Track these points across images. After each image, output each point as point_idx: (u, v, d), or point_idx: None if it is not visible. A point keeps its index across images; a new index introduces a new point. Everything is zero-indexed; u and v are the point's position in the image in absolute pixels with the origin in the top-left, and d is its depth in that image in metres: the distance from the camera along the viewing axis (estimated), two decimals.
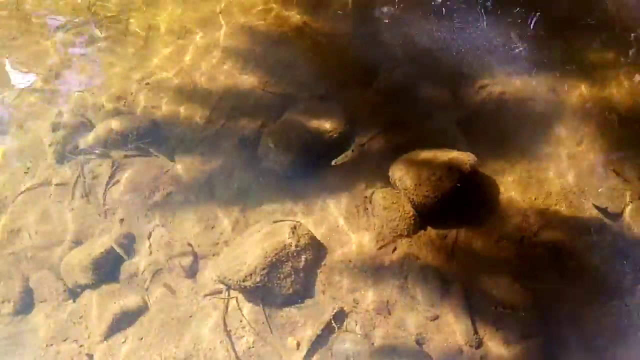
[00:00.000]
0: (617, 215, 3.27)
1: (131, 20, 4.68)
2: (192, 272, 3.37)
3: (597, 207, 3.30)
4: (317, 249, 3.30)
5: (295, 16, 4.53)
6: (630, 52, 3.92)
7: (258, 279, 3.03)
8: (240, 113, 4.05)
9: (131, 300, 3.30)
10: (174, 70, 4.33)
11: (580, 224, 3.24)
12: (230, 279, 3.10)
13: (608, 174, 3.42)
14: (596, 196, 3.34)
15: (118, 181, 3.76)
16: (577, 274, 3.06)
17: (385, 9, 4.46)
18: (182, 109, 4.09)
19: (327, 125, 3.83)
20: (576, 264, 3.09)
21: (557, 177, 3.44)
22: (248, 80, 4.24)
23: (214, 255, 3.41)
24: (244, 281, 3.03)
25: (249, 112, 4.06)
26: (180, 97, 4.15)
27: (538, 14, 4.16)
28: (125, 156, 3.87)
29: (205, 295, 3.24)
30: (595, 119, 3.64)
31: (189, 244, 3.46)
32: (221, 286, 3.22)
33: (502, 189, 3.45)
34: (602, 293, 3.02)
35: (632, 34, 4.00)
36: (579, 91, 3.77)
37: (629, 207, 3.29)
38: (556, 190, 3.39)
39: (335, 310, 3.03)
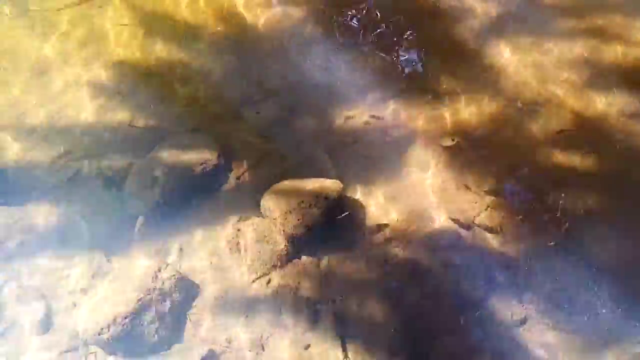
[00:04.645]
0: (469, 227, 3.55)
1: None
2: (45, 328, 3.06)
3: (452, 220, 3.57)
4: (186, 290, 3.18)
5: (163, 49, 4.43)
6: (478, 79, 4.34)
7: (119, 330, 2.84)
8: (105, 151, 3.84)
9: None
10: (26, 107, 4.00)
11: (437, 238, 3.47)
12: (87, 332, 2.86)
13: (460, 190, 3.71)
14: (451, 211, 3.61)
15: None
16: (436, 288, 3.26)
17: (258, 42, 4.53)
18: (36, 149, 3.77)
19: (199, 158, 3.75)
20: (435, 278, 3.29)
21: (417, 196, 3.67)
22: (113, 115, 4.04)
23: (71, 306, 3.14)
24: (101, 333, 2.81)
25: (114, 149, 3.86)
26: (33, 137, 3.83)
27: (401, 48, 4.48)
28: None
29: (61, 353, 2.95)
30: (448, 141, 3.95)
31: (43, 296, 3.16)
32: (78, 341, 2.96)
33: (368, 212, 3.61)
34: (459, 304, 3.24)
35: (480, 63, 4.43)
36: (433, 117, 4.08)
37: (479, 217, 3.59)
38: (416, 209, 3.60)
39: (203, 355, 2.91)
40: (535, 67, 4.27)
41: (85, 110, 4.06)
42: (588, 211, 3.51)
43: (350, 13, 4.73)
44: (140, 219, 3.44)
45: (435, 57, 4.43)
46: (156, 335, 2.92)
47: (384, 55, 4.41)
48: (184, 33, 4.54)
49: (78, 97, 4.12)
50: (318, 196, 3.41)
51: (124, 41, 4.46)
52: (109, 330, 2.82)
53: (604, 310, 3.12)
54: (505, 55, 4.36)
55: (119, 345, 2.88)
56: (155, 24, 4.57)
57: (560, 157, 3.79)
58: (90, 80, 4.21)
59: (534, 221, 3.50)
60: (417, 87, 4.27)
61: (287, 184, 3.57)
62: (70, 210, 3.55)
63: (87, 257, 3.35)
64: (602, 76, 4.14)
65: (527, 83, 4.21)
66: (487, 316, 3.18)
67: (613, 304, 3.13)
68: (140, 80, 4.25)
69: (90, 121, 4.00)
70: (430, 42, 4.50)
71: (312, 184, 3.52)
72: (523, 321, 3.19)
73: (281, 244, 3.40)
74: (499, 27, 4.51)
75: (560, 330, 3.13)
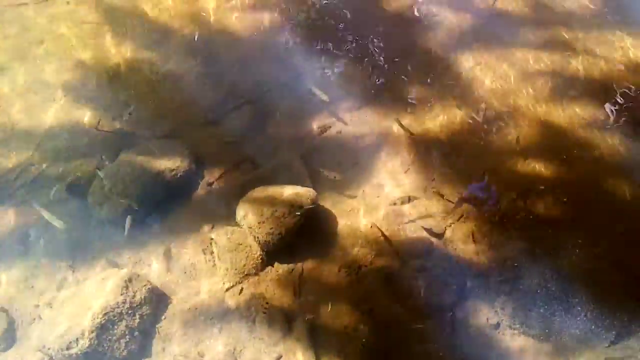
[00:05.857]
0: (441, 235, 3.60)
1: None
2: (8, 343, 2.93)
3: (424, 229, 3.60)
4: (157, 302, 3.10)
5: (132, 49, 4.28)
6: (448, 89, 4.38)
7: (86, 344, 2.74)
8: (69, 155, 3.70)
9: None
10: None
11: (409, 246, 3.50)
12: (52, 348, 2.75)
13: (432, 197, 3.75)
14: (422, 218, 3.64)
15: None
16: (408, 294, 3.30)
17: (230, 47, 4.43)
18: None
19: (169, 164, 3.66)
20: (407, 285, 3.33)
21: (388, 203, 3.68)
22: (79, 118, 3.88)
23: (35, 320, 3.01)
24: (68, 349, 2.71)
25: (79, 153, 3.73)
26: None
27: (374, 57, 4.47)
28: None
29: None
30: (418, 148, 3.98)
31: (3, 309, 3.01)
32: (43, 357, 2.84)
33: (341, 220, 3.61)
34: (432, 311, 3.28)
35: (450, 73, 4.48)
36: (404, 125, 4.10)
37: (451, 226, 3.64)
38: (388, 216, 3.62)
39: None
40: (503, 78, 4.35)
41: (48, 112, 3.89)
42: (558, 219, 3.61)
43: (324, 21, 4.69)
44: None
45: (407, 66, 4.45)
46: (126, 350, 2.83)
47: (356, 63, 4.40)
48: (154, 34, 4.40)
49: (41, 98, 3.94)
50: (292, 204, 3.39)
51: (90, 40, 4.28)
52: (77, 345, 2.72)
53: (574, 315, 3.23)
54: (474, 65, 4.42)
55: None
56: (124, 23, 4.41)
57: (530, 167, 3.88)
58: (54, 80, 4.03)
59: (504, 229, 3.58)
60: (388, 95, 4.28)
61: (261, 191, 3.52)
62: (31, 217, 3.40)
63: (50, 267, 3.23)
64: (567, 87, 4.26)
65: (495, 93, 4.28)
66: (461, 322, 3.24)
67: (583, 309, 3.24)
68: (108, 82, 4.10)
69: (54, 123, 3.84)
70: (402, 51, 4.52)
71: (286, 191, 3.48)
72: (496, 326, 3.27)
73: (255, 252, 3.37)
74: (469, 38, 4.57)
75: (532, 335, 3.22)
